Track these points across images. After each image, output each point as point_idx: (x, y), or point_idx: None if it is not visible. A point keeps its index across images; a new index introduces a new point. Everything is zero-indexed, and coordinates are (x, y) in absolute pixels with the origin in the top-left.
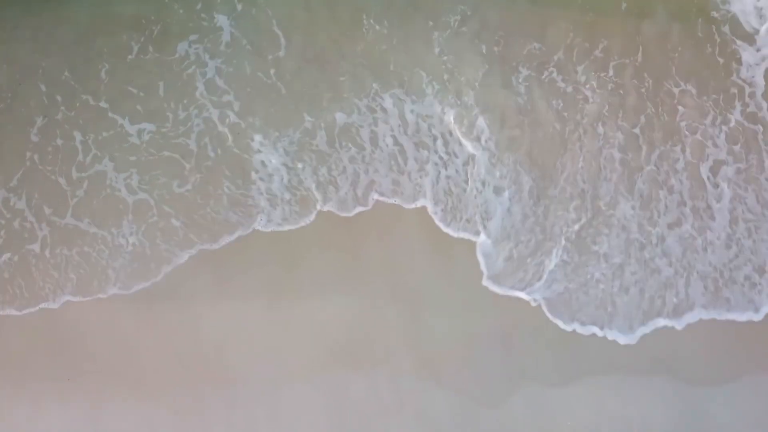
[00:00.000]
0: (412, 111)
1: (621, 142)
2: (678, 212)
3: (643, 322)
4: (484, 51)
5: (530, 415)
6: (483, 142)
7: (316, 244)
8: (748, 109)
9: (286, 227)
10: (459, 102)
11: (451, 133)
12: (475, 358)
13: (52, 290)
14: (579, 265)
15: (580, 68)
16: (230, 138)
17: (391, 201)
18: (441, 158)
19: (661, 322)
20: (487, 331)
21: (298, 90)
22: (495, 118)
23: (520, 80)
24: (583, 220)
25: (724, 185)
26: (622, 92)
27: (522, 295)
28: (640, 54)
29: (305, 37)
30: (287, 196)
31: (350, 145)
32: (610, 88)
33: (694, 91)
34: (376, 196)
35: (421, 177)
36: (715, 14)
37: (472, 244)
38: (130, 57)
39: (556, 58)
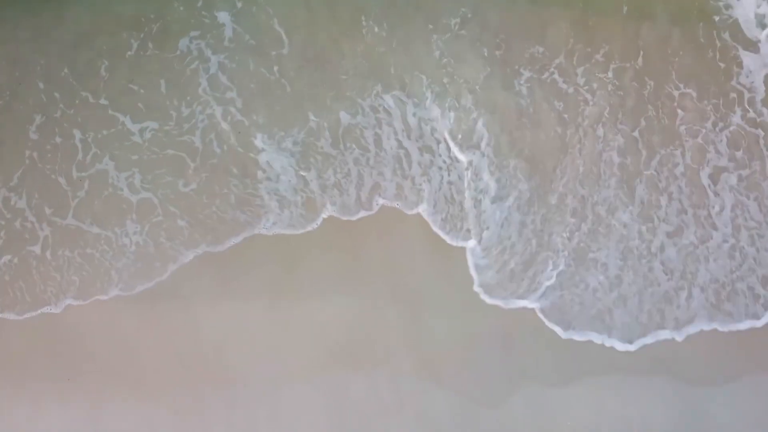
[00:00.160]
0: (414, 114)
1: (621, 146)
2: (678, 220)
3: (642, 334)
4: (485, 54)
5: (530, 416)
6: (482, 147)
7: (316, 245)
8: (749, 115)
9: (292, 231)
10: (458, 105)
11: (452, 138)
12: (475, 359)
13: (54, 294)
14: (576, 274)
15: (579, 70)
16: (232, 137)
17: (393, 204)
18: (444, 162)
19: (662, 334)
20: (487, 331)
21: (302, 88)
22: (495, 122)
23: (521, 82)
24: (583, 228)
25: (724, 192)
26: (621, 93)
27: (520, 303)
28: (640, 57)
29: (306, 35)
30: (294, 198)
31: (354, 146)
32: (609, 89)
33: (694, 94)
34: (380, 201)
35: (423, 183)
36: (716, 19)
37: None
38: (129, 53)
39: (557, 61)
